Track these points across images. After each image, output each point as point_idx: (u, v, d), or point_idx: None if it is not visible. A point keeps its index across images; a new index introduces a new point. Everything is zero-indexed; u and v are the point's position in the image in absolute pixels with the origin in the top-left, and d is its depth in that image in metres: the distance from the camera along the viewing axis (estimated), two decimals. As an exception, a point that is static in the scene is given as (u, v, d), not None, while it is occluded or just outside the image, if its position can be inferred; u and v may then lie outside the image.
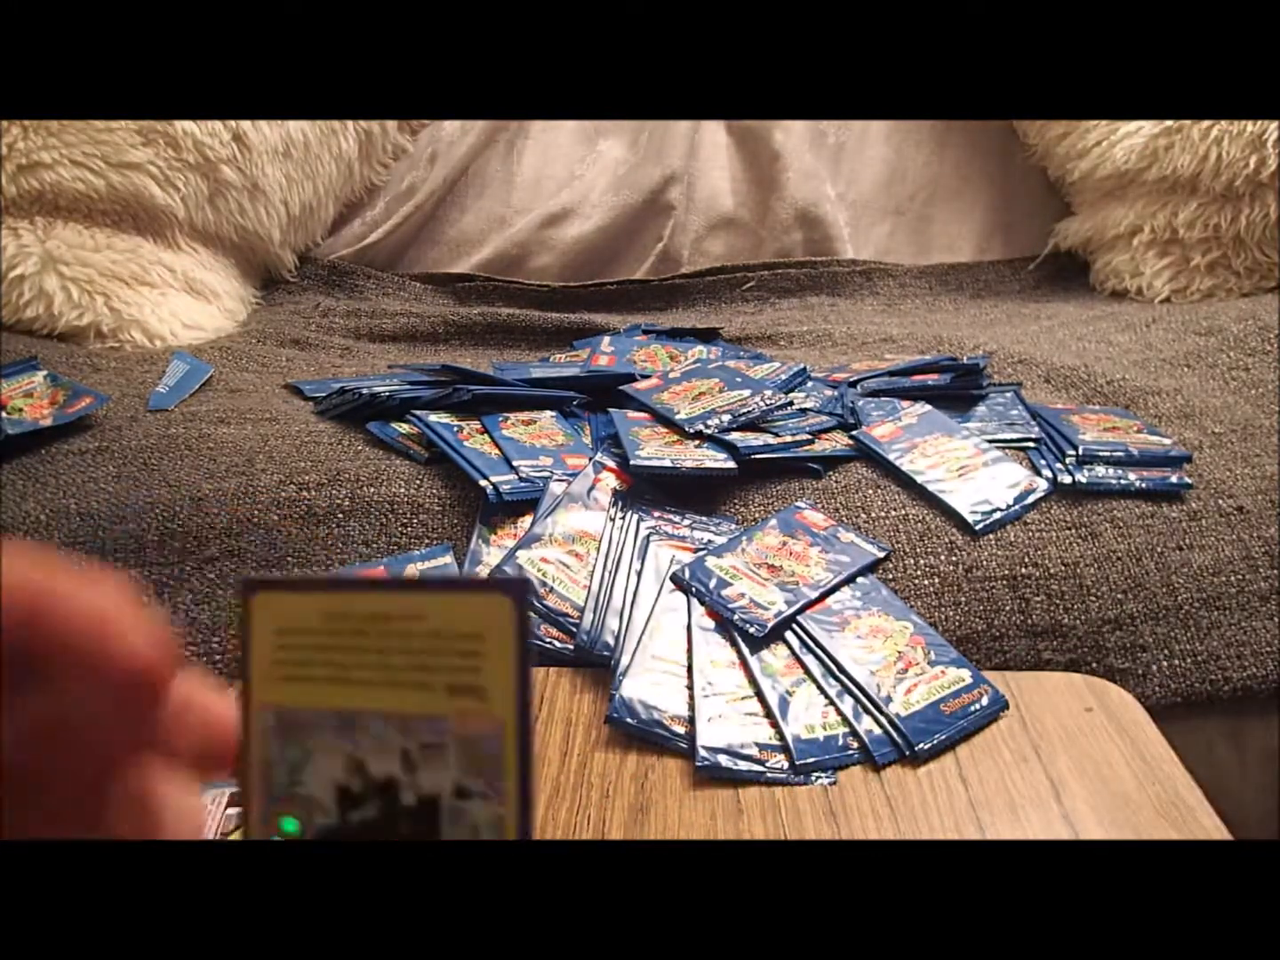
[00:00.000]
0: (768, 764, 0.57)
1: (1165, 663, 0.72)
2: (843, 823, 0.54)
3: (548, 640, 0.67)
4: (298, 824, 0.25)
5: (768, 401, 0.84)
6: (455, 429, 0.82)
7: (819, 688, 0.62)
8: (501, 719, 0.23)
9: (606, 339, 1.11)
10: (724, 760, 0.57)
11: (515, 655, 0.23)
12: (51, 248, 1.09)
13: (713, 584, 0.67)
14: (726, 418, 0.81)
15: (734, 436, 0.79)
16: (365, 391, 0.86)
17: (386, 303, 1.33)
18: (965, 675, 0.63)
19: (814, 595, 0.67)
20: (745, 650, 0.63)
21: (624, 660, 0.63)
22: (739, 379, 0.90)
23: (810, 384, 0.95)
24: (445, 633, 0.23)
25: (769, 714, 0.60)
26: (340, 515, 0.76)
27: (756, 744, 0.58)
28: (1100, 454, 0.80)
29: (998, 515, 0.76)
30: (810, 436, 0.82)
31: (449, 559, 0.73)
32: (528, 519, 0.74)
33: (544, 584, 0.69)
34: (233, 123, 1.18)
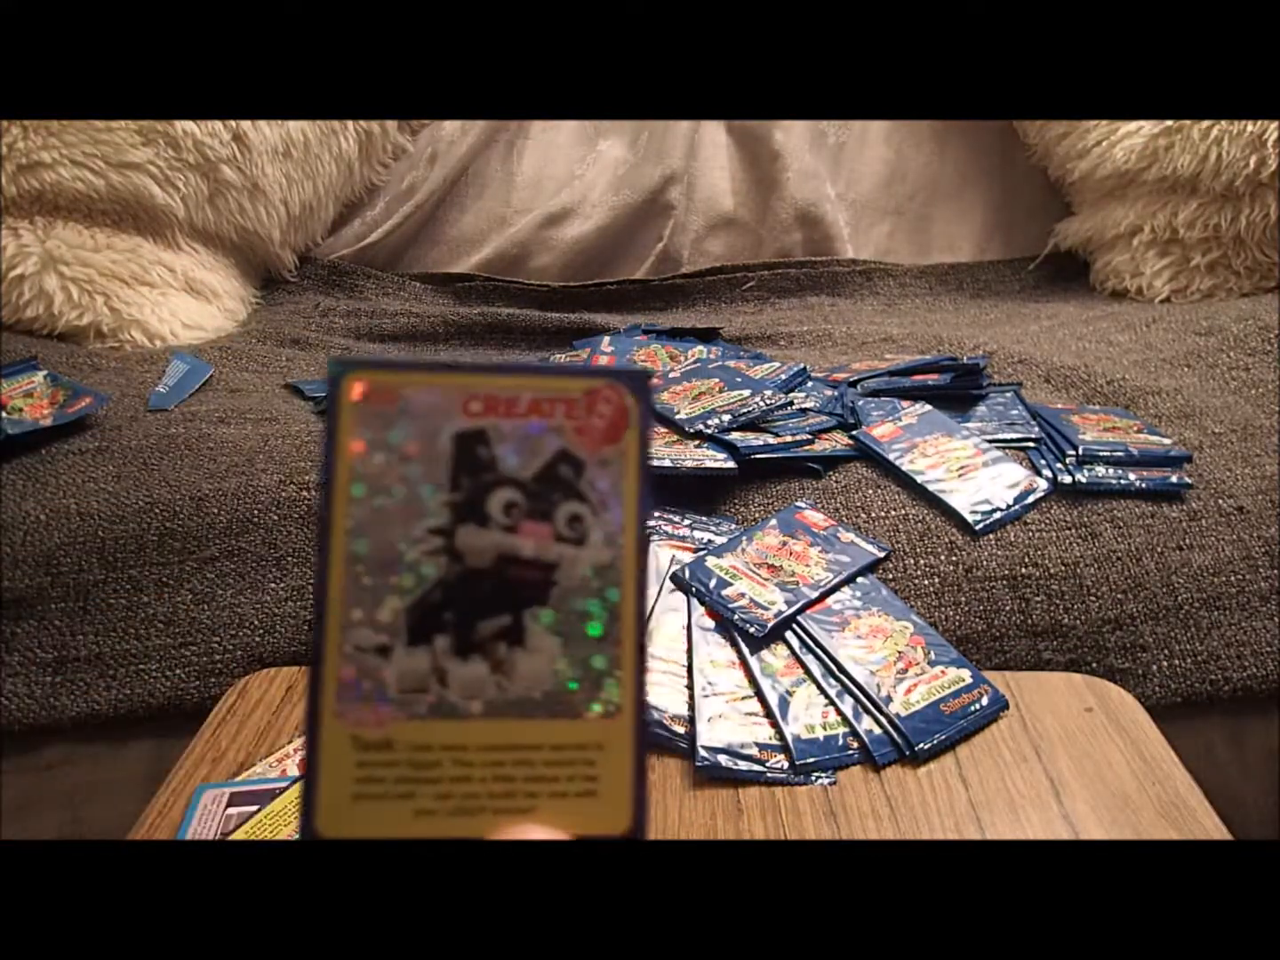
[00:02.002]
0: (768, 764, 0.57)
1: (1165, 663, 0.72)
2: (843, 823, 0.54)
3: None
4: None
5: (768, 401, 0.84)
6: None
7: (819, 688, 0.62)
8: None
9: (606, 339, 1.11)
10: (724, 760, 0.57)
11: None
12: (51, 248, 1.09)
13: (713, 584, 0.67)
14: (726, 418, 0.81)
15: (734, 436, 0.79)
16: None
17: (386, 303, 1.33)
18: (965, 675, 0.63)
19: (814, 595, 0.67)
20: (745, 650, 0.63)
21: (624, 660, 0.63)
22: (739, 379, 0.90)
23: (810, 384, 0.95)
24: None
25: (769, 714, 0.60)
26: (340, 515, 0.76)
27: (756, 744, 0.58)
28: (1100, 454, 0.80)
29: (998, 515, 0.76)
30: (810, 436, 0.82)
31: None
32: (528, 519, 0.74)
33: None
34: (233, 123, 1.18)
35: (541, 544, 0.23)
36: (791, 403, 0.87)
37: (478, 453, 0.23)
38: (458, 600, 0.23)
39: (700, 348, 1.09)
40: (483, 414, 0.23)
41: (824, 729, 0.59)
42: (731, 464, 0.76)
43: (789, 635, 0.65)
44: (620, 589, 0.23)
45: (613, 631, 0.23)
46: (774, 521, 0.74)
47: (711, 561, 0.69)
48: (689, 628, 0.65)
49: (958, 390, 0.92)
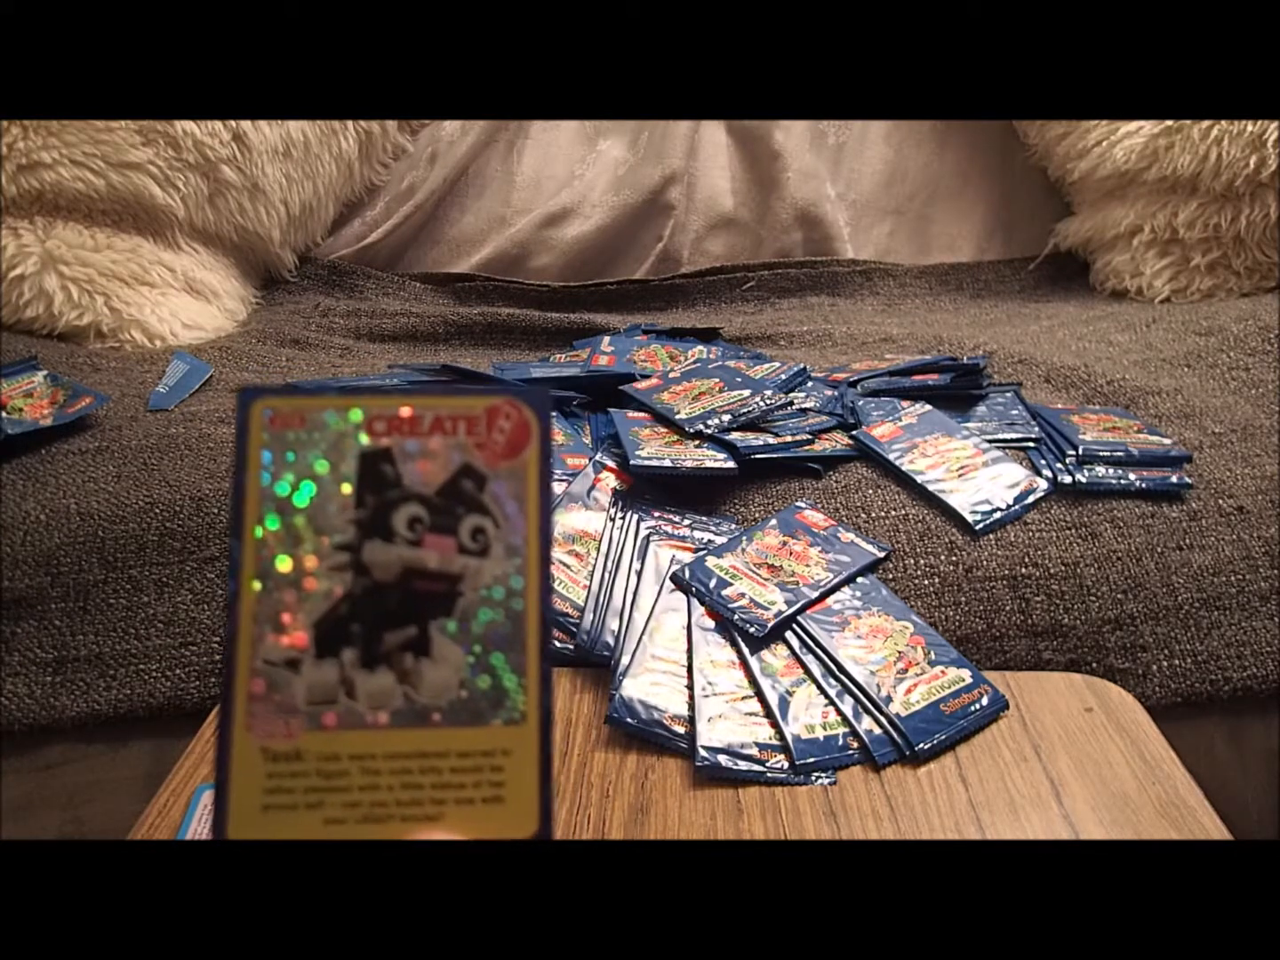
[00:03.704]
0: (768, 764, 0.57)
1: (1165, 663, 0.72)
2: (843, 823, 0.54)
3: (548, 640, 0.67)
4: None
5: (768, 401, 0.84)
6: (455, 429, 0.82)
7: (819, 688, 0.62)
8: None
9: (606, 339, 1.11)
10: (724, 760, 0.57)
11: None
12: (51, 248, 1.09)
13: (713, 584, 0.67)
14: (726, 418, 0.81)
15: (734, 436, 0.79)
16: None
17: (386, 303, 1.33)
18: (965, 675, 0.63)
19: (814, 595, 0.67)
20: (745, 650, 0.63)
21: (624, 660, 0.63)
22: (739, 379, 0.90)
23: (810, 384, 0.95)
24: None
25: (769, 714, 0.60)
26: (340, 515, 0.76)
27: (756, 744, 0.58)
28: (1100, 454, 0.80)
29: (998, 515, 0.76)
30: (810, 436, 0.82)
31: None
32: (528, 519, 0.74)
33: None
34: (233, 123, 1.18)
35: (445, 556, 0.24)
36: (791, 403, 0.87)
37: (382, 471, 0.24)
38: (365, 613, 0.24)
39: (700, 348, 1.09)
40: (387, 433, 0.24)
41: (824, 729, 0.59)
42: (731, 464, 0.76)
43: (789, 635, 0.65)
44: (524, 598, 0.23)
45: (517, 640, 0.23)
46: (774, 521, 0.74)
47: (711, 561, 0.69)
48: (689, 628, 0.65)
49: (958, 390, 0.92)
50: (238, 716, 0.24)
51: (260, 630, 0.24)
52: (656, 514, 0.74)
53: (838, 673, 0.62)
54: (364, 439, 0.24)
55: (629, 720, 0.60)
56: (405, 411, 0.24)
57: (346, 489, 0.24)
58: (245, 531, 0.24)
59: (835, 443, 0.84)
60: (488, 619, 0.24)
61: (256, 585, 0.24)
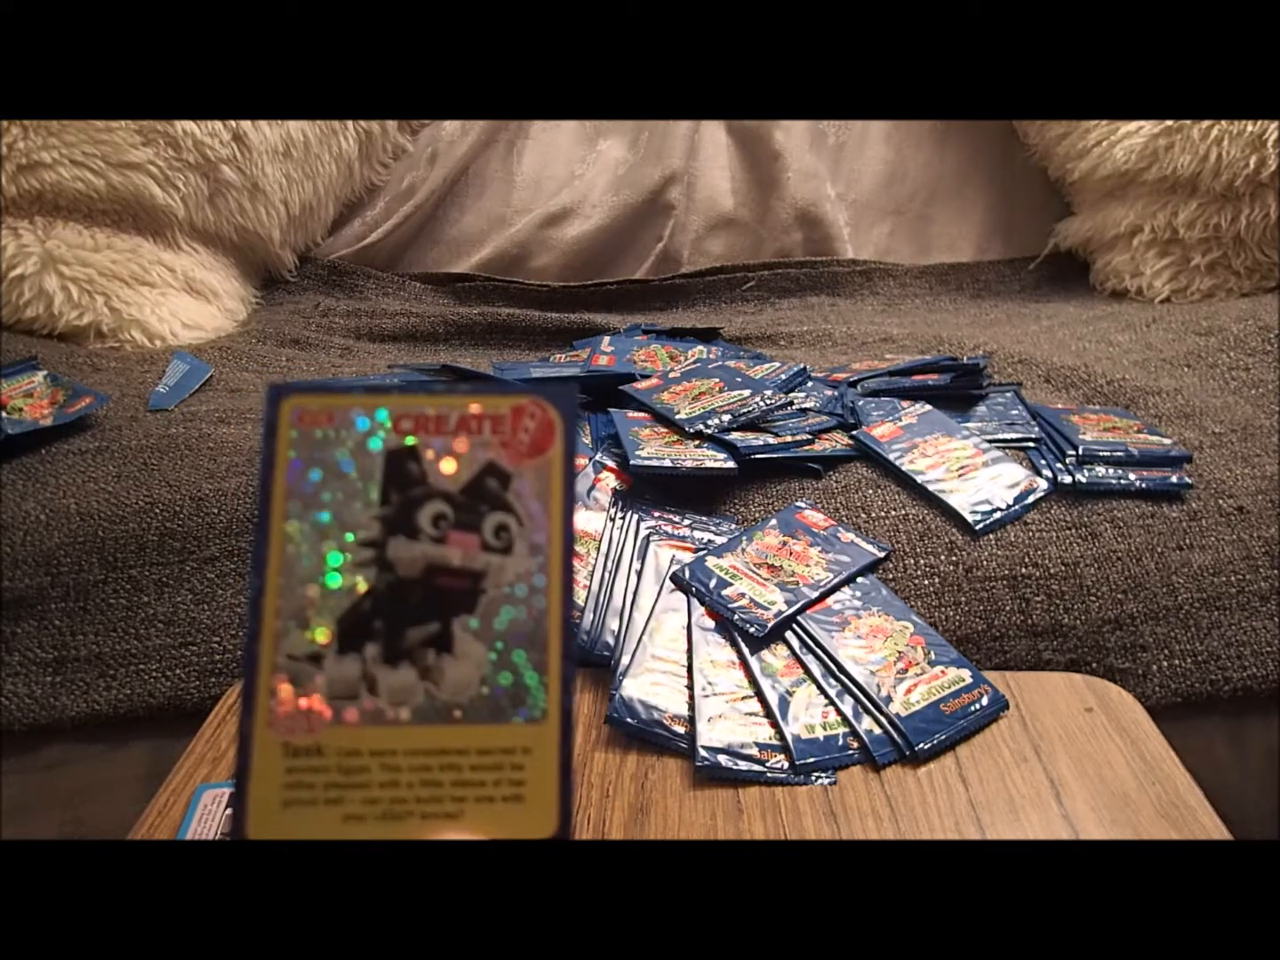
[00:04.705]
0: (768, 764, 0.57)
1: (1165, 663, 0.72)
2: (843, 823, 0.54)
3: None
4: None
5: (768, 401, 0.84)
6: (455, 429, 0.82)
7: (819, 688, 0.62)
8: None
9: (606, 339, 1.11)
10: (724, 760, 0.57)
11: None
12: (51, 248, 1.09)
13: (713, 584, 0.67)
14: (726, 418, 0.81)
15: (734, 436, 0.79)
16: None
17: (386, 303, 1.33)
18: (965, 675, 0.63)
19: (814, 595, 0.67)
20: (745, 650, 0.63)
21: (624, 660, 0.63)
22: (739, 379, 0.90)
23: (810, 384, 0.95)
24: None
25: (769, 714, 0.60)
26: (340, 515, 0.75)
27: (756, 744, 0.58)
28: (1100, 454, 0.80)
29: (998, 515, 0.76)
30: (810, 436, 0.82)
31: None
32: (528, 519, 0.74)
33: (544, 584, 0.69)
34: (233, 123, 1.18)
35: (469, 553, 0.24)
36: (791, 403, 0.87)
37: (408, 468, 0.24)
38: (388, 609, 0.24)
39: (700, 348, 1.09)
40: (413, 432, 0.24)
41: (824, 729, 0.59)
42: (731, 464, 0.76)
43: (789, 635, 0.65)
44: (546, 596, 0.24)
45: (539, 638, 0.23)
46: (774, 521, 0.74)
47: (711, 561, 0.69)
48: (689, 628, 0.65)
49: (958, 390, 0.92)
50: (259, 711, 0.24)
51: (283, 625, 0.24)
52: (656, 514, 0.74)
53: (838, 673, 0.62)
54: (390, 437, 0.24)
55: (629, 720, 0.60)
56: (431, 410, 0.24)
57: (372, 486, 0.24)
58: (271, 527, 0.24)
59: (835, 443, 0.84)
60: (510, 616, 0.24)
61: (280, 580, 0.24)
